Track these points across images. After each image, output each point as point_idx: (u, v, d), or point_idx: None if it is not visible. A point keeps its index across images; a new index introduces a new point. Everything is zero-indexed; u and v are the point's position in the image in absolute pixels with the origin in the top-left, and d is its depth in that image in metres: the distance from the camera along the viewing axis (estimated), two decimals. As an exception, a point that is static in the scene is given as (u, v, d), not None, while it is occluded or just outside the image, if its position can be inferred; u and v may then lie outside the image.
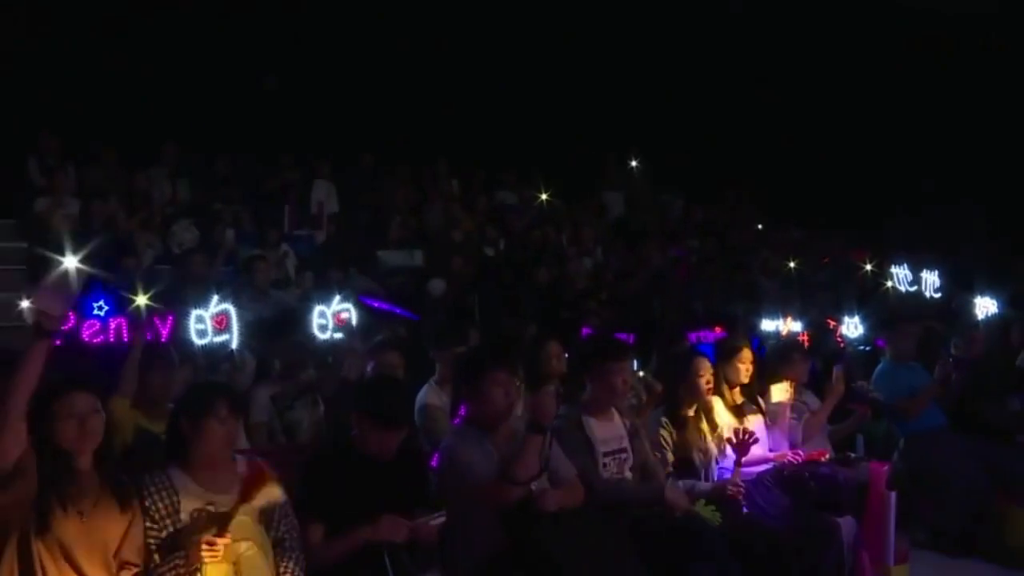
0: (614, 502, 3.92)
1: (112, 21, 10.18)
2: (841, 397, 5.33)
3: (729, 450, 4.59)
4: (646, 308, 8.14)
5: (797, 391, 5.37)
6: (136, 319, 4.27)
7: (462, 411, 3.85)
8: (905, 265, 7.85)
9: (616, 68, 12.48)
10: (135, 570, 2.94)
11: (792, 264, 10.32)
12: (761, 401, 5.28)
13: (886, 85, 12.70)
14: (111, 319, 4.47)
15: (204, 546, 2.89)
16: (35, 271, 7.45)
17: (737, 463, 4.44)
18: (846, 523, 4.54)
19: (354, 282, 7.83)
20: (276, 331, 5.40)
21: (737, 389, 5.10)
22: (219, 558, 2.90)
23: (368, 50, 11.38)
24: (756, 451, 4.86)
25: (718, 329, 6.26)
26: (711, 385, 4.73)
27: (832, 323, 6.84)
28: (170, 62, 10.36)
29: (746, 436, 4.46)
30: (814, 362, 5.63)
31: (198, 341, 4.50)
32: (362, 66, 11.39)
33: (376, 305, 5.95)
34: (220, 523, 2.96)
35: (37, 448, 2.79)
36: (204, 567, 2.90)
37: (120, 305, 4.66)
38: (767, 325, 6.46)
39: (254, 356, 5.63)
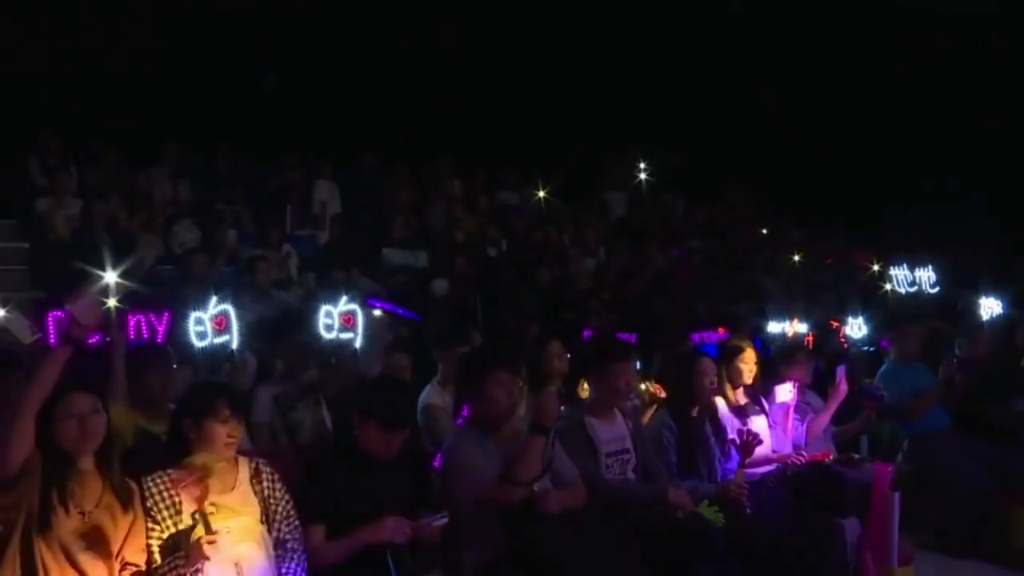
0: (616, 503, 3.91)
1: (113, 21, 10.17)
2: (845, 398, 5.32)
3: (733, 451, 4.57)
4: (648, 308, 8.12)
5: (801, 392, 5.36)
6: (109, 322, 4.22)
7: (464, 411, 3.83)
8: (904, 265, 7.83)
9: (617, 68, 12.47)
10: (137, 570, 2.94)
11: (797, 257, 10.29)
12: (764, 402, 5.27)
13: (886, 85, 12.69)
14: (105, 319, 4.44)
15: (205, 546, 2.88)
16: (36, 271, 7.46)
17: (740, 465, 4.42)
18: (850, 524, 4.52)
19: (356, 282, 7.82)
20: (279, 331, 5.39)
21: (741, 390, 5.10)
22: (218, 558, 2.89)
23: (368, 50, 11.38)
24: (760, 452, 4.85)
25: (721, 330, 6.24)
26: (715, 386, 4.70)
27: (835, 324, 6.82)
28: (171, 62, 10.35)
29: (750, 438, 4.44)
30: (818, 363, 5.61)
31: (198, 343, 4.48)
32: (363, 66, 11.38)
33: (381, 306, 5.93)
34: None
35: (40, 449, 2.80)
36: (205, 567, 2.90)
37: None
38: (773, 327, 6.45)
39: (255, 356, 5.63)
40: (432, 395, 5.05)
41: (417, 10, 11.49)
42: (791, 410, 5.22)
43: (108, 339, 4.31)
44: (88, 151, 9.02)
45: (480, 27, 11.87)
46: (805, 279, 10.29)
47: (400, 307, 6.34)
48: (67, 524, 2.82)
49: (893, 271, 7.63)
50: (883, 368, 5.89)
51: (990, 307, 7.05)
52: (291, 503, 3.29)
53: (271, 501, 3.23)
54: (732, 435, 4.68)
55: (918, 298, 7.76)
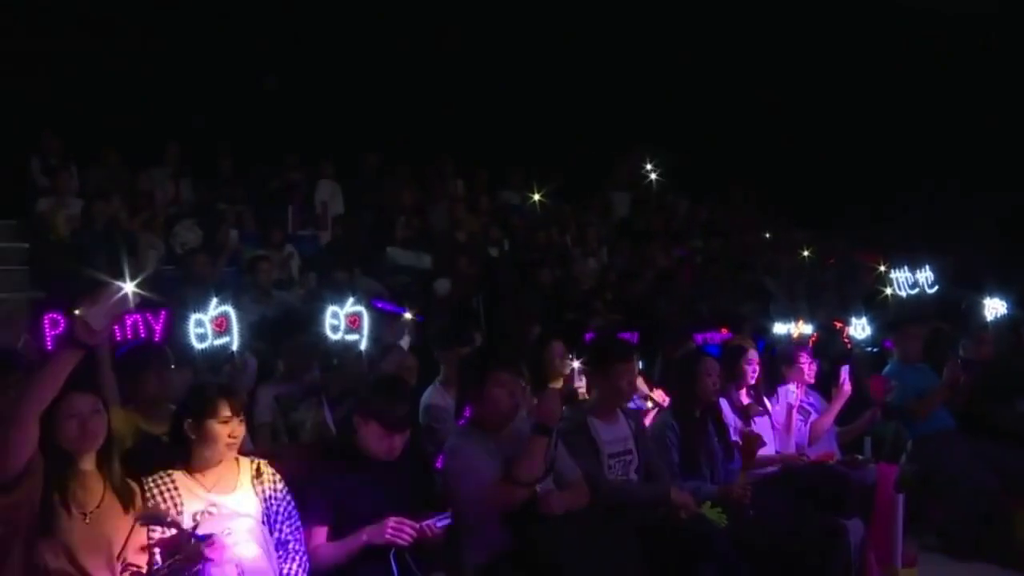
0: (619, 504, 3.90)
1: (113, 21, 10.17)
2: (848, 399, 5.30)
3: (737, 452, 4.55)
4: (651, 309, 8.10)
5: (804, 393, 5.34)
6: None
7: (466, 412, 3.82)
8: (906, 267, 7.82)
9: (618, 68, 12.46)
10: (138, 570, 2.93)
11: (805, 252, 10.24)
12: (768, 402, 5.26)
13: (886, 85, 12.68)
14: None
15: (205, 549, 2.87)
16: (37, 271, 7.45)
17: (743, 467, 4.41)
18: (853, 525, 4.51)
19: (358, 283, 7.81)
20: (280, 332, 5.38)
21: (744, 390, 5.08)
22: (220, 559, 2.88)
23: (369, 50, 11.37)
24: (763, 453, 4.85)
25: (724, 330, 6.23)
26: (717, 386, 4.69)
27: (839, 324, 6.81)
28: (171, 62, 10.34)
29: (752, 440, 4.43)
30: (821, 364, 5.59)
31: (198, 345, 4.46)
32: (363, 66, 11.37)
33: (385, 307, 5.92)
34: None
35: (41, 450, 2.80)
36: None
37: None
38: (779, 328, 6.44)
39: (256, 357, 5.61)
40: (434, 396, 5.04)
41: (417, 10, 11.49)
42: (794, 411, 5.21)
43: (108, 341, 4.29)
44: (89, 151, 9.02)
45: (480, 27, 11.86)
46: (808, 279, 10.27)
47: (402, 308, 6.31)
48: (69, 525, 2.82)
49: (894, 274, 7.62)
50: (886, 369, 5.88)
51: (994, 307, 7.03)
52: (293, 504, 3.28)
53: (272, 502, 3.22)
54: (736, 436, 4.67)
55: (920, 300, 7.74)
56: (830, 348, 6.39)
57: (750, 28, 12.72)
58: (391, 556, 3.25)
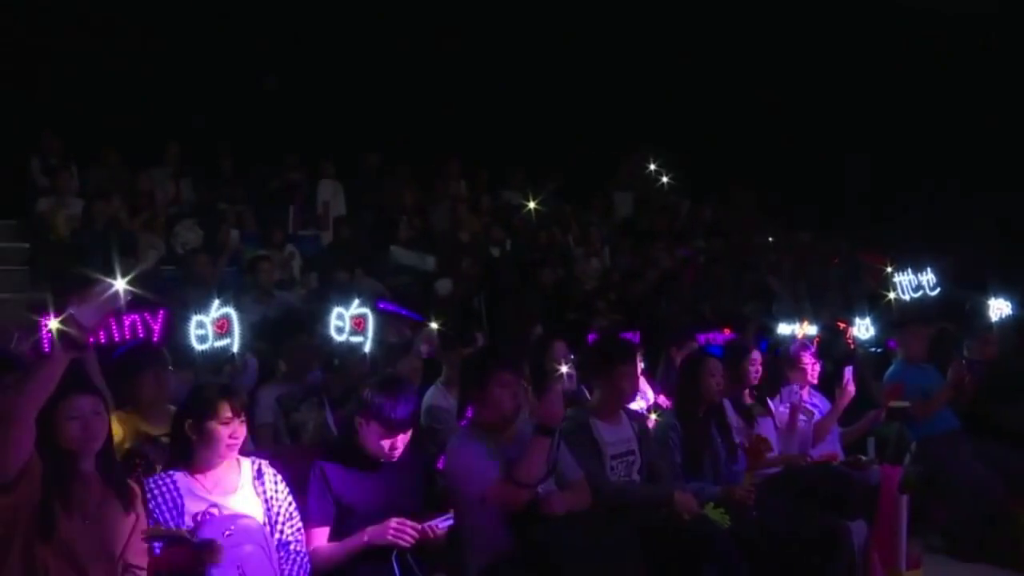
0: (621, 505, 3.88)
1: (113, 21, 10.16)
2: (851, 399, 5.28)
3: (741, 454, 4.53)
4: (653, 309, 8.09)
5: (808, 393, 5.32)
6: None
7: (468, 413, 3.80)
8: (909, 270, 7.81)
9: (619, 67, 12.45)
10: (139, 572, 2.92)
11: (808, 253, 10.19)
12: (771, 403, 5.23)
13: (886, 85, 12.67)
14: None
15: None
16: (37, 271, 7.43)
17: (748, 470, 4.38)
18: (857, 527, 4.49)
19: (360, 283, 7.79)
20: (281, 332, 5.36)
21: (747, 391, 5.06)
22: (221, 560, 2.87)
23: (369, 50, 11.36)
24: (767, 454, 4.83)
25: (727, 330, 6.21)
26: (721, 387, 4.66)
27: (842, 325, 6.78)
28: (172, 62, 10.33)
29: (760, 445, 4.41)
30: (824, 364, 5.57)
31: (199, 346, 4.43)
32: (364, 66, 11.36)
33: (389, 308, 5.90)
34: None
35: (41, 451, 2.79)
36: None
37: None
38: (783, 328, 6.42)
39: (257, 357, 5.59)
40: (436, 396, 5.03)
41: (417, 10, 11.48)
42: (798, 412, 5.19)
43: (105, 341, 4.26)
44: (90, 151, 9.00)
45: (480, 27, 11.85)
46: (811, 280, 10.26)
47: (404, 308, 6.30)
48: (69, 526, 2.80)
49: (898, 278, 7.61)
50: (891, 369, 5.86)
51: (999, 308, 7.01)
52: (294, 504, 3.27)
53: (274, 502, 3.21)
54: (740, 438, 4.65)
55: (923, 301, 7.72)
56: (833, 348, 6.37)
57: (750, 28, 12.71)
58: (393, 557, 3.23)
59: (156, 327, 4.45)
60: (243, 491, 3.18)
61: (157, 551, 2.96)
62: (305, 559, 3.20)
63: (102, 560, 2.84)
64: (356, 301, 4.95)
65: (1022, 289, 7.62)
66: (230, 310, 4.51)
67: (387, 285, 8.17)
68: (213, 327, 4.40)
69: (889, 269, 7.88)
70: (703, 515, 4.00)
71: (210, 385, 3.60)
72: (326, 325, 4.86)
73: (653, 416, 4.77)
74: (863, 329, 6.68)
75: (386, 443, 3.39)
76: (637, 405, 4.75)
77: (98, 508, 2.88)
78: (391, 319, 6.11)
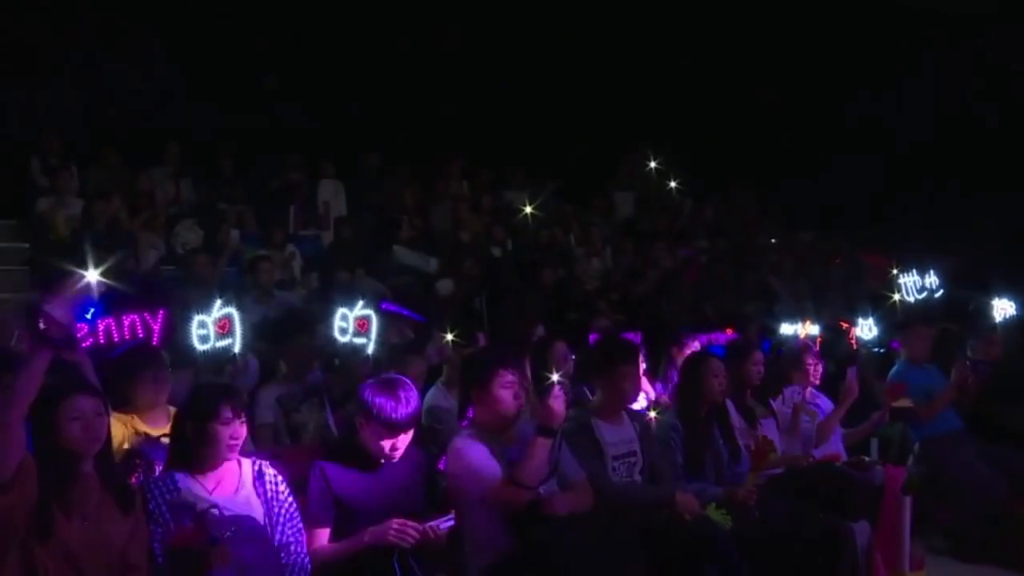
0: (623, 506, 3.86)
1: (114, 21, 10.15)
2: (855, 400, 5.26)
3: (745, 455, 4.51)
4: (655, 309, 8.07)
5: (809, 394, 5.30)
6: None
7: (470, 413, 3.78)
8: (914, 271, 7.80)
9: (620, 67, 12.44)
10: (140, 574, 2.91)
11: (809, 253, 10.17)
12: (773, 404, 5.21)
13: (886, 85, 12.66)
14: (99, 321, 4.40)
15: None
16: (37, 272, 7.41)
17: (752, 471, 4.36)
18: (860, 528, 4.45)
19: (361, 283, 7.78)
20: (282, 332, 5.34)
21: (749, 391, 5.03)
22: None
23: (369, 50, 11.36)
24: (774, 458, 4.80)
25: (729, 331, 6.19)
26: (723, 387, 4.64)
27: (845, 325, 6.77)
28: (172, 62, 10.33)
29: (766, 446, 4.39)
30: (827, 365, 5.55)
31: (200, 346, 4.42)
32: (364, 66, 11.36)
33: (392, 309, 5.88)
34: None
35: (39, 452, 2.79)
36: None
37: (108, 306, 4.59)
38: (785, 328, 6.40)
39: (257, 358, 5.58)
40: (437, 397, 5.02)
41: (417, 10, 11.47)
42: (800, 412, 5.17)
43: (104, 342, 4.26)
44: (89, 151, 8.99)
45: (480, 27, 11.84)
46: (813, 280, 10.24)
47: (406, 309, 6.28)
48: (67, 528, 2.80)
49: (902, 279, 7.60)
50: (894, 370, 5.84)
51: (1003, 308, 7.00)
52: (295, 505, 3.26)
53: (274, 503, 3.20)
54: (741, 438, 4.62)
55: (928, 302, 7.71)
56: (836, 349, 6.36)
57: (750, 28, 12.70)
58: (394, 558, 3.21)
59: (156, 327, 4.45)
60: (244, 492, 3.17)
61: (159, 558, 2.94)
62: (306, 560, 3.19)
63: (101, 561, 2.83)
64: (360, 303, 4.94)
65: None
66: (232, 310, 4.50)
67: (388, 285, 8.16)
68: (215, 327, 4.39)
69: (894, 271, 7.88)
70: (705, 516, 3.98)
71: (211, 386, 3.60)
72: (329, 326, 4.85)
73: (653, 413, 4.75)
74: (866, 329, 6.67)
75: (387, 444, 3.38)
76: (638, 405, 4.72)
77: (97, 509, 2.87)
78: (393, 320, 6.09)
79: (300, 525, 3.23)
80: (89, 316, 4.33)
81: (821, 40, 12.58)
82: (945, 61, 12.35)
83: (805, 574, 4.10)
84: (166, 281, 7.24)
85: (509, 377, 3.62)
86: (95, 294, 2.48)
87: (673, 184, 11.97)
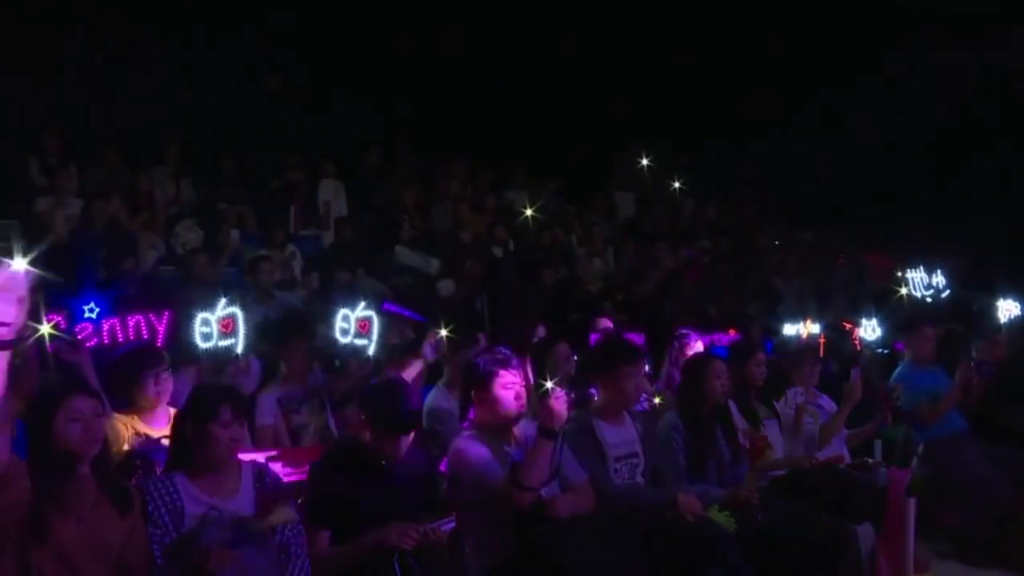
0: (625, 507, 3.85)
1: (114, 21, 10.14)
2: (859, 401, 5.22)
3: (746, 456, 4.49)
4: (658, 310, 8.04)
5: (812, 394, 5.27)
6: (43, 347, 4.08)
7: (471, 414, 3.76)
8: (921, 268, 7.78)
9: (621, 67, 12.45)
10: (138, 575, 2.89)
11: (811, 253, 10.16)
12: (776, 405, 5.18)
13: (886, 85, 12.66)
14: (103, 321, 4.39)
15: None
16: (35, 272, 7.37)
17: (750, 469, 4.33)
18: (864, 530, 4.43)
19: (362, 283, 7.75)
20: (282, 333, 5.31)
21: (752, 392, 5.00)
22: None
23: (369, 50, 11.36)
24: (771, 456, 4.77)
25: (732, 331, 6.16)
26: (726, 388, 4.61)
27: (849, 326, 6.74)
28: (172, 62, 10.31)
29: (761, 443, 4.36)
30: (831, 365, 5.52)
31: (202, 344, 4.39)
32: (365, 66, 11.36)
33: (393, 310, 5.85)
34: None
35: (34, 454, 2.78)
36: None
37: (113, 306, 4.57)
38: (788, 328, 6.37)
39: (259, 359, 5.54)
40: (437, 398, 5.00)
41: (417, 10, 11.47)
42: (803, 413, 5.14)
43: (108, 342, 4.24)
44: (89, 151, 8.96)
45: (480, 27, 11.84)
46: (816, 280, 10.23)
47: (408, 309, 6.25)
48: (64, 530, 2.77)
49: (910, 274, 7.58)
50: (898, 371, 5.81)
51: (1008, 309, 6.97)
52: (295, 507, 3.23)
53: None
54: (744, 440, 4.60)
55: (934, 301, 7.69)
56: (840, 349, 6.33)
57: (749, 28, 12.70)
58: (394, 560, 3.20)
59: (160, 329, 4.43)
60: (244, 494, 3.15)
61: (158, 560, 2.92)
62: (306, 563, 3.17)
63: (99, 563, 2.82)
64: (362, 303, 4.91)
65: None
66: (236, 310, 4.47)
67: (389, 285, 8.14)
68: (218, 326, 4.36)
69: (899, 273, 7.87)
70: (708, 518, 3.95)
71: (211, 387, 3.58)
72: (330, 327, 4.83)
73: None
74: (869, 330, 6.64)
75: (388, 445, 3.37)
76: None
77: (93, 511, 2.85)
78: (394, 320, 6.06)
79: (300, 527, 3.21)
80: (94, 316, 4.34)
81: (821, 40, 12.59)
82: (945, 61, 12.33)
83: (808, 576, 4.07)
84: (169, 281, 7.21)
85: (510, 378, 3.61)
86: (26, 283, 2.33)
87: (677, 185, 11.96)
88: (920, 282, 7.63)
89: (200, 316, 4.39)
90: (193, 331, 4.39)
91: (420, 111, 11.34)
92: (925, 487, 4.88)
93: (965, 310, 7.51)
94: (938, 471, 5.35)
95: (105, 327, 4.35)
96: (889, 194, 12.56)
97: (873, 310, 7.33)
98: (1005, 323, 6.83)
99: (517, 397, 3.61)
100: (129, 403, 3.98)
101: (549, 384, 3.47)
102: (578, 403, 3.60)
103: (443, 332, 4.99)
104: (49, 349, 4.04)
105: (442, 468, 3.80)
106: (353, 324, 4.77)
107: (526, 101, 11.84)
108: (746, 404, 4.96)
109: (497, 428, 3.62)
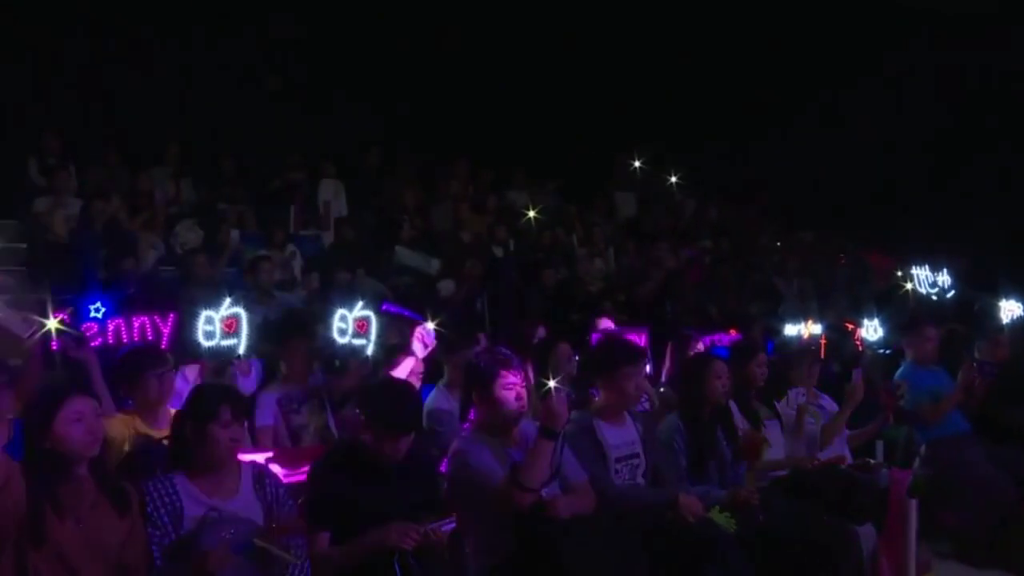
0: (626, 508, 3.83)
1: (114, 21, 10.14)
2: (861, 402, 5.21)
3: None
4: (659, 310, 8.03)
5: (813, 395, 5.26)
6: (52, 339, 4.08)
7: (471, 415, 3.74)
8: (927, 267, 7.77)
9: (622, 67, 12.45)
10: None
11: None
12: (778, 405, 5.17)
13: (886, 85, 12.65)
14: (109, 321, 4.38)
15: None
16: (35, 272, 7.37)
17: (748, 469, 4.32)
18: (866, 531, 4.42)
19: (362, 284, 7.74)
20: (282, 333, 5.30)
21: (753, 393, 4.99)
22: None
23: (370, 50, 11.35)
24: (773, 457, 4.76)
25: (733, 331, 6.15)
26: (727, 389, 4.60)
27: (851, 326, 6.73)
28: (173, 62, 10.30)
29: (756, 440, 4.34)
30: (832, 366, 5.50)
31: (205, 343, 4.38)
32: (365, 66, 11.35)
33: (393, 310, 5.84)
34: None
35: (30, 455, 2.77)
36: None
37: (117, 307, 4.57)
38: (789, 328, 6.36)
39: (260, 360, 5.53)
40: (437, 399, 4.98)
41: (417, 10, 11.47)
42: (804, 413, 5.13)
43: (113, 342, 4.24)
44: (89, 151, 8.95)
45: (480, 27, 11.84)
46: (818, 280, 10.22)
47: (407, 309, 6.25)
48: (61, 531, 2.77)
49: (915, 271, 7.57)
50: (900, 371, 5.79)
51: (1010, 309, 6.96)
52: (295, 508, 3.25)
53: (274, 506, 3.18)
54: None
55: (939, 300, 7.69)
56: (841, 350, 6.31)
57: (751, 29, 12.70)
58: (395, 560, 3.19)
59: (165, 331, 4.43)
60: (243, 494, 3.14)
61: (157, 561, 2.91)
62: (306, 564, 3.16)
63: (97, 564, 2.81)
64: (359, 303, 4.89)
65: None
66: (240, 310, 4.46)
67: (389, 286, 8.13)
68: (221, 325, 4.35)
69: (899, 273, 7.87)
70: (709, 519, 3.94)
71: (211, 387, 3.57)
72: (328, 327, 4.81)
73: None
74: (871, 330, 6.62)
75: (388, 445, 3.36)
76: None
77: (91, 511, 2.85)
78: (394, 320, 6.05)
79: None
80: (100, 315, 4.34)
81: (821, 40, 12.59)
82: (945, 61, 12.33)
83: (809, 577, 4.06)
84: (169, 281, 7.20)
85: (511, 379, 3.59)
86: None
87: (676, 184, 11.95)
88: (925, 279, 7.61)
89: (204, 314, 4.38)
90: (196, 329, 4.38)
91: (420, 111, 11.34)
92: (926, 488, 4.87)
93: (967, 310, 7.50)
94: (940, 472, 5.33)
95: (110, 327, 4.35)
96: (889, 194, 12.56)
97: (875, 310, 7.32)
98: (1007, 323, 6.81)
99: (518, 398, 3.59)
100: (131, 402, 3.97)
101: (552, 383, 3.46)
102: (579, 403, 3.58)
103: (430, 325, 4.98)
104: (56, 346, 4.06)
105: (442, 468, 3.78)
106: (351, 324, 4.76)
107: (526, 101, 11.83)
108: (747, 405, 4.95)
109: (498, 429, 3.60)
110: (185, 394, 3.57)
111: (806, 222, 12.25)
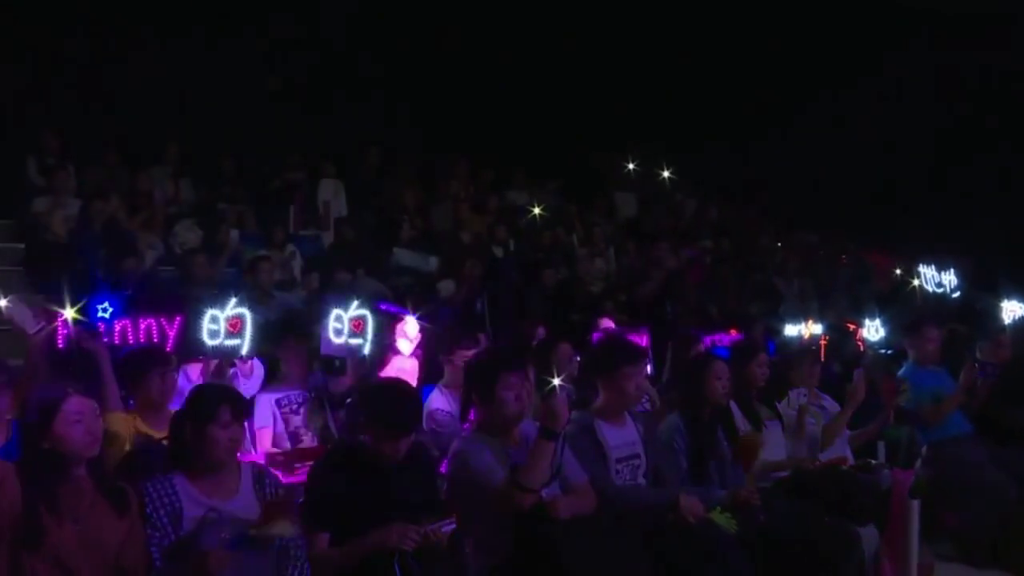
0: (627, 509, 3.82)
1: (114, 21, 10.13)
2: (862, 402, 5.20)
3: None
4: (659, 310, 8.02)
5: (815, 395, 5.25)
6: (70, 330, 4.08)
7: (471, 415, 3.73)
8: (933, 266, 7.77)
9: (623, 67, 12.45)
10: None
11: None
12: (779, 406, 5.16)
13: (886, 85, 12.66)
14: (115, 322, 4.38)
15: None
16: (33, 272, 7.36)
17: (746, 469, 4.31)
18: (867, 533, 4.41)
19: (362, 284, 7.73)
20: (282, 334, 5.30)
21: (754, 393, 4.98)
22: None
23: (370, 50, 11.35)
24: (774, 457, 4.75)
25: (733, 331, 6.14)
26: (727, 389, 4.58)
27: (852, 326, 6.71)
28: (173, 62, 10.30)
29: (752, 439, 4.33)
30: (833, 366, 5.49)
31: (209, 342, 4.37)
32: (365, 65, 11.36)
33: (391, 309, 5.84)
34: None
35: (28, 456, 2.77)
36: None
37: (123, 308, 4.57)
38: (790, 329, 6.35)
39: (261, 361, 5.52)
40: (437, 399, 4.96)
41: (417, 10, 11.46)
42: (805, 414, 5.11)
43: (120, 343, 4.24)
44: (89, 151, 8.95)
45: (480, 27, 11.83)
46: (818, 280, 10.22)
47: (406, 309, 6.24)
48: (59, 532, 2.76)
49: (922, 268, 7.56)
50: (902, 371, 5.78)
51: (1012, 310, 6.95)
52: (294, 509, 3.21)
53: (274, 507, 3.14)
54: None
55: (943, 300, 7.68)
56: (843, 350, 6.30)
57: (751, 30, 12.70)
58: (395, 561, 3.19)
59: (171, 334, 4.42)
60: (243, 495, 3.14)
61: (156, 561, 2.90)
62: (305, 564, 3.16)
63: (96, 565, 2.80)
64: (355, 303, 4.88)
65: None
66: (245, 310, 4.45)
67: (389, 286, 8.12)
68: (226, 324, 4.34)
69: (903, 271, 7.86)
70: (709, 519, 3.93)
71: (211, 388, 3.56)
72: (323, 327, 4.80)
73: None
74: (873, 330, 6.61)
75: (388, 446, 3.35)
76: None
77: (89, 512, 2.84)
78: (392, 320, 6.04)
79: (300, 529, 3.18)
80: (107, 316, 4.34)
81: (821, 40, 12.59)
82: (945, 61, 12.33)
83: (810, 578, 4.04)
84: (168, 282, 7.19)
85: (512, 379, 3.58)
86: None
87: (675, 183, 11.94)
88: (932, 278, 7.61)
89: (209, 313, 4.38)
90: (201, 328, 4.38)
91: (420, 111, 11.33)
92: (928, 489, 4.86)
93: (969, 311, 7.49)
94: (941, 473, 5.32)
95: (117, 328, 4.35)
96: (889, 194, 12.56)
97: (877, 310, 7.31)
98: (1009, 324, 6.80)
99: (518, 398, 3.58)
100: (133, 402, 3.97)
101: (556, 381, 3.45)
102: (581, 403, 3.57)
103: (410, 318, 4.96)
104: (62, 342, 4.06)
105: (442, 469, 3.77)
106: (347, 324, 4.75)
107: (526, 101, 11.83)
108: (748, 405, 4.93)
109: (498, 429, 3.59)
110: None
111: (807, 222, 12.25)
